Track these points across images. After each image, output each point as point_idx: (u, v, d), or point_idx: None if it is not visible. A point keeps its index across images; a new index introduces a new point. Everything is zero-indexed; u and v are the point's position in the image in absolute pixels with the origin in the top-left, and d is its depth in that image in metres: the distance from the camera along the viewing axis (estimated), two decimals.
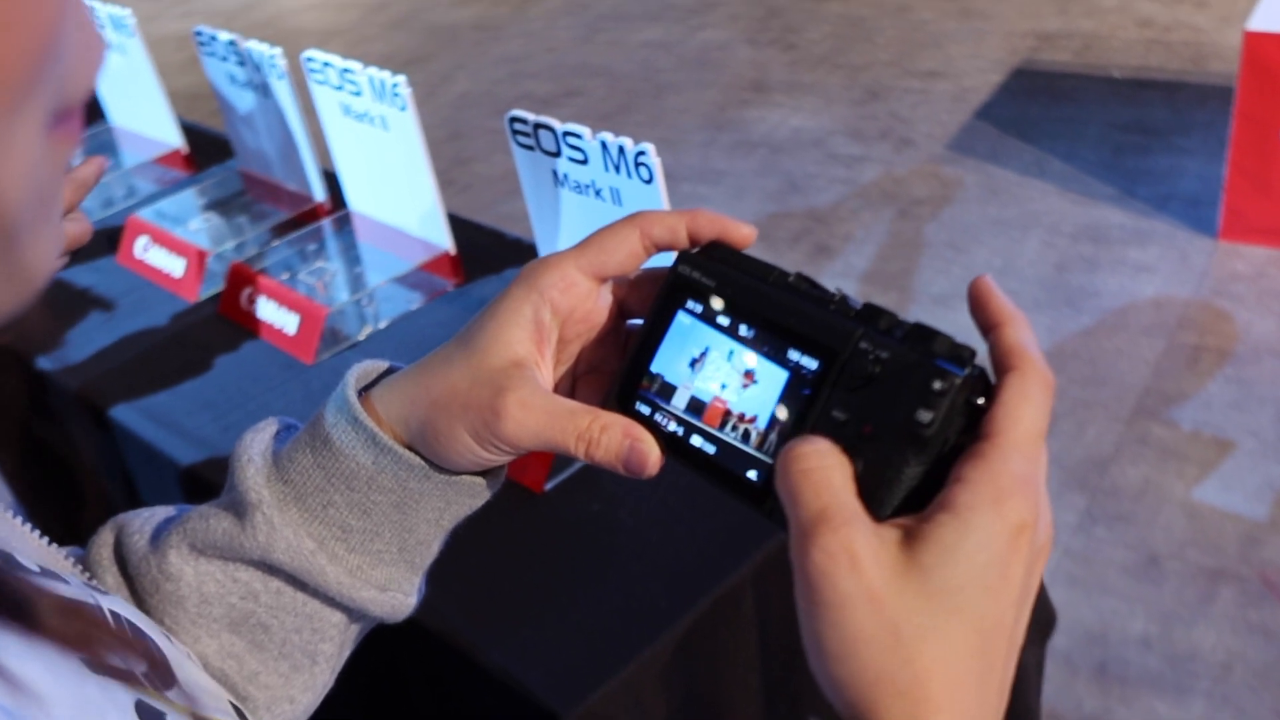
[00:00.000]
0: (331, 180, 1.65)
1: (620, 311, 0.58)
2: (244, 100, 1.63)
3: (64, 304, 1.59)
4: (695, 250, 0.56)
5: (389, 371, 0.59)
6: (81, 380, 1.43)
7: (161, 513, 0.63)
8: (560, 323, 0.55)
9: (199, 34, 1.62)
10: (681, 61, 4.59)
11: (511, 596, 1.07)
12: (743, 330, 0.52)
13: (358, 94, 1.43)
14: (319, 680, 0.62)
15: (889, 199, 3.44)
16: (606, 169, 1.14)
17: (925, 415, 0.45)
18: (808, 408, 0.49)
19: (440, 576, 1.17)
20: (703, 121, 4.12)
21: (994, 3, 4.68)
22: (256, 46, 1.54)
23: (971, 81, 4.07)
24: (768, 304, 0.52)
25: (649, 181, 1.10)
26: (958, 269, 3.07)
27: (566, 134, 1.16)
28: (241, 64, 1.58)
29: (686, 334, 0.54)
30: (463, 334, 0.55)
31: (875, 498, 0.45)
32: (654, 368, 0.55)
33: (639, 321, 0.57)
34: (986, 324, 0.48)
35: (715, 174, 3.74)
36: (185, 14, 5.89)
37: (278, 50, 1.53)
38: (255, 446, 0.59)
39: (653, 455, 0.53)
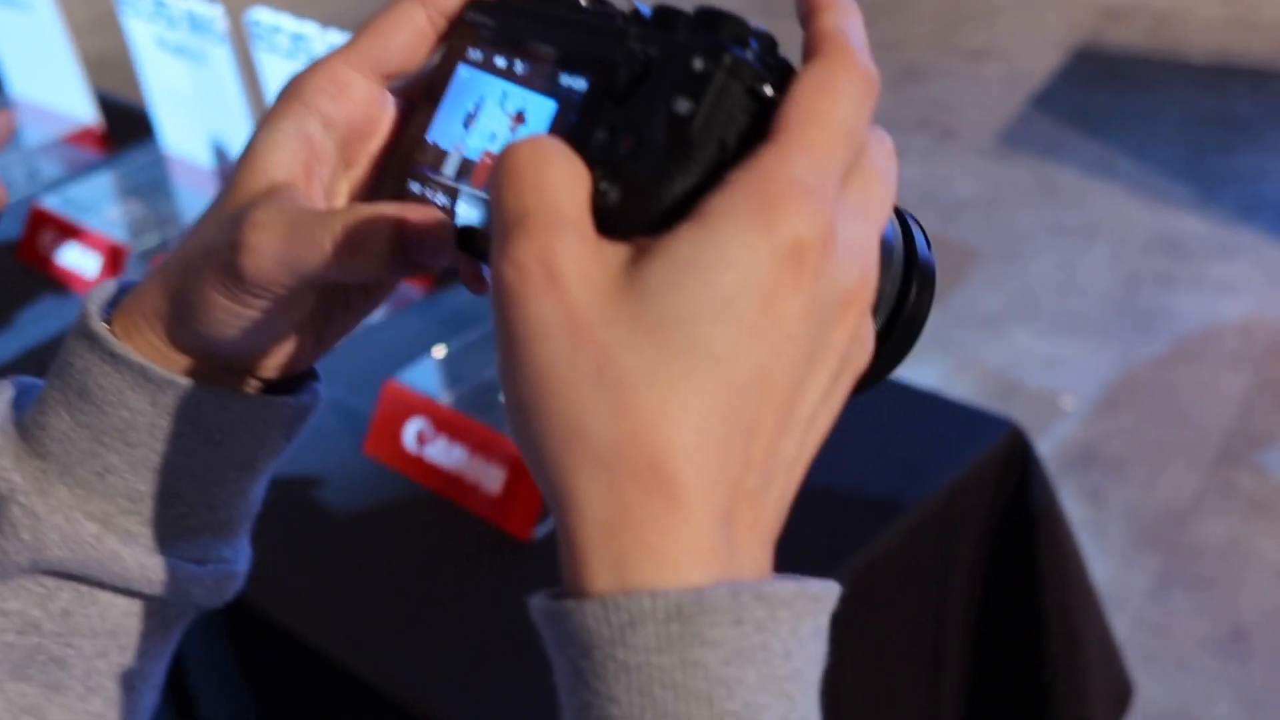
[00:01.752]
0: None
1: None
2: (172, 70, 1.64)
3: None
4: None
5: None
6: None
7: None
8: (338, 138, 0.52)
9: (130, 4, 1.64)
10: None
11: (492, 662, 1.07)
12: (517, 68, 0.50)
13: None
14: (143, 707, 0.57)
15: (928, 200, 3.45)
16: None
17: (684, 105, 0.40)
18: (572, 133, 0.45)
19: (409, 638, 1.18)
20: None
21: None
22: (190, 4, 1.55)
23: (1026, 62, 4.10)
24: (545, 32, 0.50)
25: None
26: (1011, 284, 3.09)
27: None
28: (171, 26, 1.59)
29: (464, 88, 0.53)
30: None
31: (630, 227, 0.41)
32: (430, 136, 0.53)
33: None
34: (804, 11, 0.43)
35: None
36: None
37: (218, 9, 1.54)
38: None
39: (438, 223, 0.48)
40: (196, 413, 0.52)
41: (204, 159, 1.70)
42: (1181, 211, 3.30)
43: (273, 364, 0.54)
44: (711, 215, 0.38)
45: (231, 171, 0.52)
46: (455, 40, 0.54)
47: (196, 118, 1.67)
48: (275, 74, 1.48)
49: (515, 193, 0.39)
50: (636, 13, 0.48)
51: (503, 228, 0.39)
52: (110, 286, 0.55)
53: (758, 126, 0.41)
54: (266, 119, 0.52)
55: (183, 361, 0.52)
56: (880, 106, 0.45)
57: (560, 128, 0.47)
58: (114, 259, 1.55)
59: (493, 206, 0.40)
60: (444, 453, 1.24)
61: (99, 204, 1.71)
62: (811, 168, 0.38)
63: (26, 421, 0.53)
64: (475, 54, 0.53)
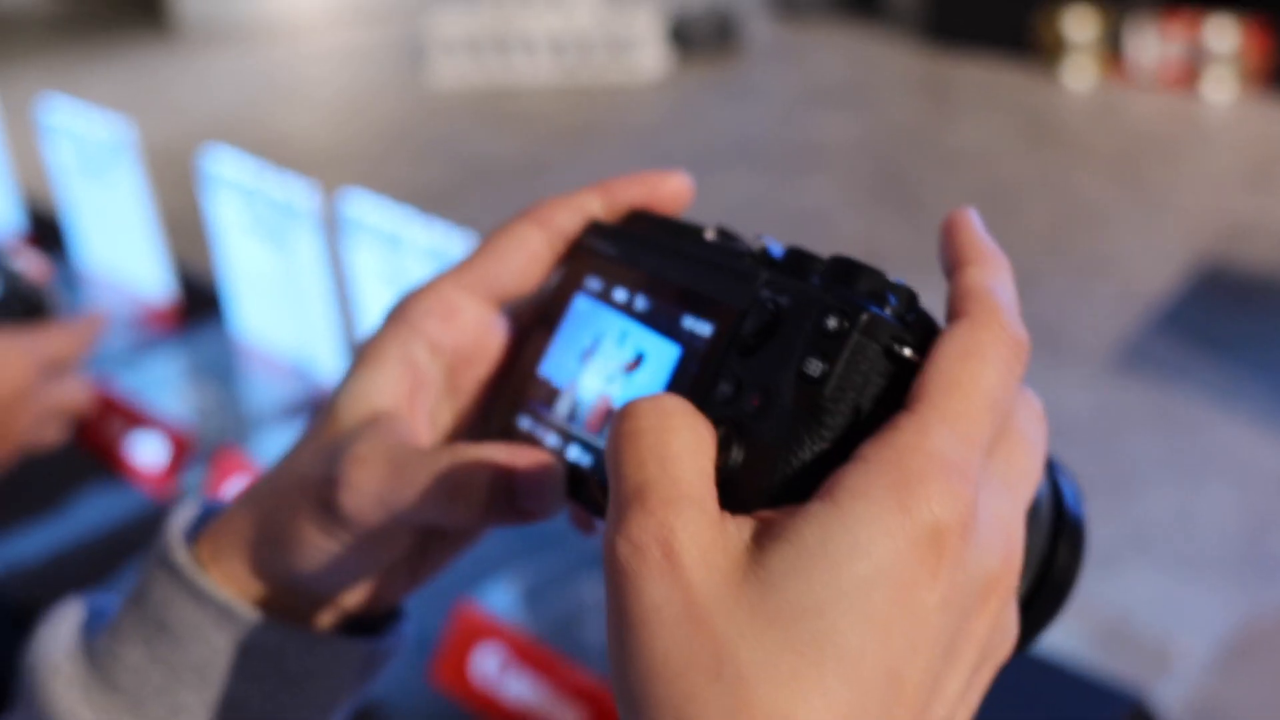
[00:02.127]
0: None
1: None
2: (253, 251, 1.66)
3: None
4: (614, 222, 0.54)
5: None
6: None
7: None
8: (445, 364, 0.52)
9: (210, 169, 1.66)
10: (776, 226, 4.68)
11: None
12: (639, 305, 0.50)
13: (405, 257, 1.45)
14: None
15: None
16: None
17: (816, 366, 0.40)
18: (695, 385, 0.45)
19: None
20: None
21: (1173, 178, 4.78)
22: (281, 188, 1.58)
23: (1144, 276, 4.11)
24: (668, 267, 0.49)
25: None
26: (1119, 520, 3.03)
27: None
28: (257, 208, 1.62)
29: (581, 321, 0.52)
30: (321, 403, 0.53)
31: (754, 494, 0.40)
32: (543, 371, 0.52)
33: None
34: (950, 263, 0.43)
35: None
36: (167, 113, 6.11)
37: (311, 194, 1.56)
38: (56, 645, 0.52)
39: (547, 472, 0.47)
40: (280, 655, 0.51)
41: (279, 349, 1.71)
42: None
43: (360, 599, 0.54)
44: (843, 495, 0.37)
45: (331, 394, 0.52)
46: (574, 265, 0.54)
47: (275, 304, 1.69)
48: (364, 266, 1.50)
49: (636, 461, 0.38)
50: (766, 253, 0.48)
51: (620, 499, 0.38)
52: (193, 508, 0.55)
53: (895, 390, 0.40)
54: (371, 342, 0.52)
55: (265, 592, 0.52)
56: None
57: (682, 377, 0.47)
58: (181, 451, 1.56)
59: (610, 472, 0.39)
60: (520, 688, 1.20)
61: (165, 387, 1.72)
62: (954, 442, 0.38)
63: (98, 648, 0.52)
64: (595, 284, 0.53)
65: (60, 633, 0.53)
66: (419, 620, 1.38)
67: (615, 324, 0.51)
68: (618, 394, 0.49)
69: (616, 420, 0.40)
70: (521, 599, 1.31)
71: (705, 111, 5.83)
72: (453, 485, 0.47)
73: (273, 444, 1.55)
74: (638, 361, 0.49)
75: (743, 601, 0.36)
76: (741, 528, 0.38)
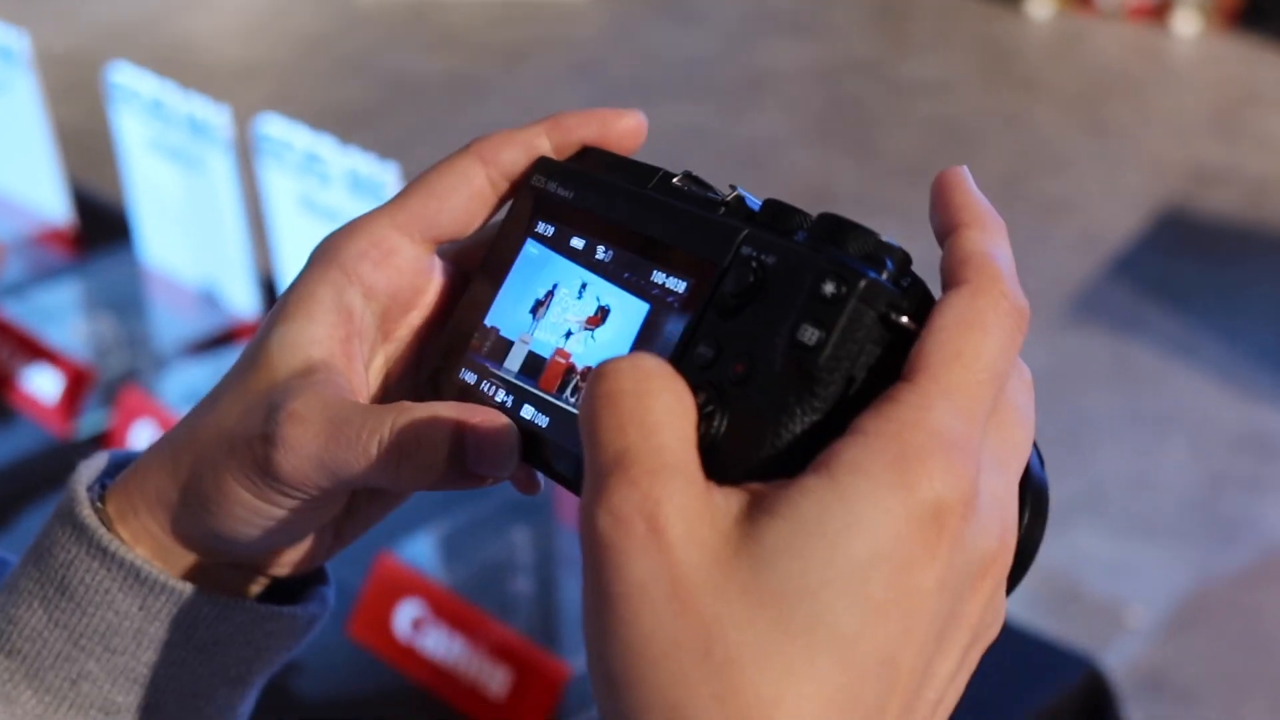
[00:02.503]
0: (271, 292, 1.66)
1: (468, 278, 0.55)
2: (162, 174, 1.65)
3: None
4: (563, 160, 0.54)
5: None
6: None
7: None
8: (380, 309, 0.51)
9: (115, 85, 1.64)
10: (720, 158, 4.67)
11: None
12: (600, 254, 0.50)
13: (325, 184, 1.44)
14: None
15: None
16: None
17: (811, 333, 0.40)
18: (668, 346, 0.45)
19: None
20: None
21: (1137, 119, 4.80)
22: (192, 107, 1.56)
23: (1104, 221, 4.13)
24: (634, 215, 0.49)
25: None
26: (1074, 475, 3.06)
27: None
28: (168, 126, 1.60)
29: (533, 269, 0.52)
30: (245, 348, 0.51)
31: (737, 465, 0.40)
32: (490, 320, 0.52)
33: None
34: (944, 226, 0.43)
35: None
36: (61, 21, 6.00)
37: (224, 114, 1.55)
38: None
39: (503, 433, 0.47)
40: (192, 621, 0.50)
41: (187, 278, 1.69)
42: (1273, 406, 3.29)
43: (285, 562, 0.53)
44: (841, 470, 0.37)
45: (257, 341, 0.50)
46: (522, 206, 0.53)
47: (183, 229, 1.67)
48: (280, 191, 1.48)
49: (615, 426, 0.38)
50: (742, 202, 0.47)
51: (599, 467, 0.37)
52: (100, 460, 0.53)
53: (890, 360, 0.40)
54: (300, 285, 0.51)
55: (182, 556, 0.51)
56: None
57: (652, 336, 0.46)
58: (78, 386, 1.55)
59: (586, 437, 0.38)
60: (442, 644, 1.21)
61: (64, 316, 1.70)
62: (956, 417, 0.38)
63: None
64: (546, 229, 0.52)
65: None
66: (336, 572, 1.38)
67: (572, 274, 0.50)
68: (579, 351, 0.49)
69: (592, 381, 0.39)
70: (443, 552, 1.31)
71: (646, 33, 5.77)
72: (403, 447, 0.46)
73: (180, 382, 1.53)
74: (600, 316, 0.48)
75: (733, 579, 0.35)
76: (729, 500, 0.37)
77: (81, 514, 0.50)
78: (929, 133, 4.81)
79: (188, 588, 0.50)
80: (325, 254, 0.51)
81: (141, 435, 1.46)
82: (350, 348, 0.50)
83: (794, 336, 0.40)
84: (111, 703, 0.51)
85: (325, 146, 1.41)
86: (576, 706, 1.13)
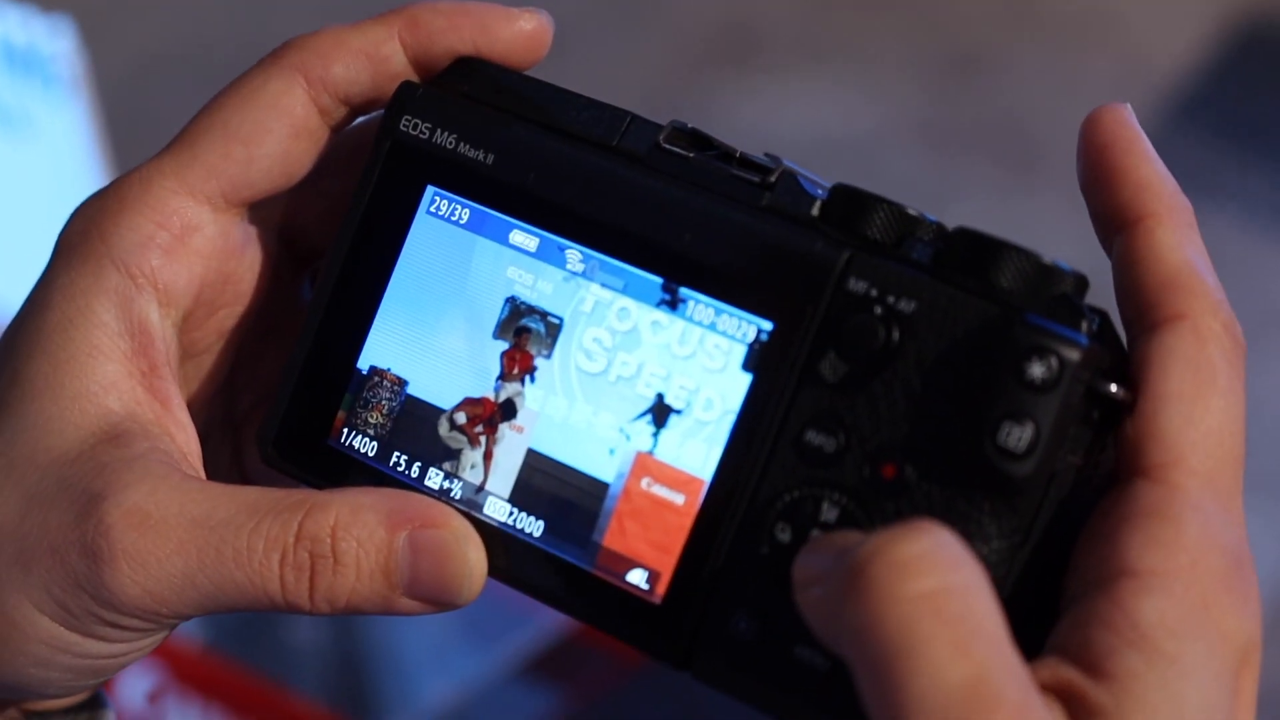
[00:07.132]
0: None
1: (296, 256, 0.51)
2: None
3: None
4: (429, 81, 0.49)
5: None
6: None
7: None
8: (181, 314, 0.48)
9: None
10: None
11: None
12: (580, 260, 0.46)
13: None
14: None
15: None
16: None
17: (1017, 434, 0.39)
18: (750, 428, 0.43)
19: None
20: (637, 108, 4.12)
21: None
22: None
23: (1151, 45, 3.99)
24: (619, 204, 0.45)
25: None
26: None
27: None
28: None
29: (441, 267, 0.47)
30: None
31: None
32: (366, 354, 0.48)
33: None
34: (1117, 209, 0.43)
35: None
36: None
37: None
38: None
39: (468, 550, 0.45)
40: None
41: None
42: None
43: (64, 693, 0.50)
44: (1165, 639, 0.38)
45: (9, 394, 0.45)
46: (397, 170, 0.48)
47: None
48: None
49: (952, 643, 0.37)
50: (795, 184, 0.43)
51: (940, 702, 0.37)
52: None
53: (1095, 442, 0.41)
54: (60, 298, 0.46)
55: None
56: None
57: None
58: None
59: (895, 653, 0.37)
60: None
61: None
62: (1228, 519, 0.40)
63: None
64: (449, 202, 0.47)
65: None
66: None
67: (547, 283, 0.46)
68: (613, 425, 0.44)
69: (885, 573, 0.37)
70: None
71: None
72: (318, 558, 0.44)
73: None
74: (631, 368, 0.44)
75: None
76: (1053, 713, 0.38)
77: None
78: None
79: None
80: (88, 244, 0.46)
81: None
82: (159, 386, 0.47)
83: (992, 437, 0.40)
84: None
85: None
86: None
